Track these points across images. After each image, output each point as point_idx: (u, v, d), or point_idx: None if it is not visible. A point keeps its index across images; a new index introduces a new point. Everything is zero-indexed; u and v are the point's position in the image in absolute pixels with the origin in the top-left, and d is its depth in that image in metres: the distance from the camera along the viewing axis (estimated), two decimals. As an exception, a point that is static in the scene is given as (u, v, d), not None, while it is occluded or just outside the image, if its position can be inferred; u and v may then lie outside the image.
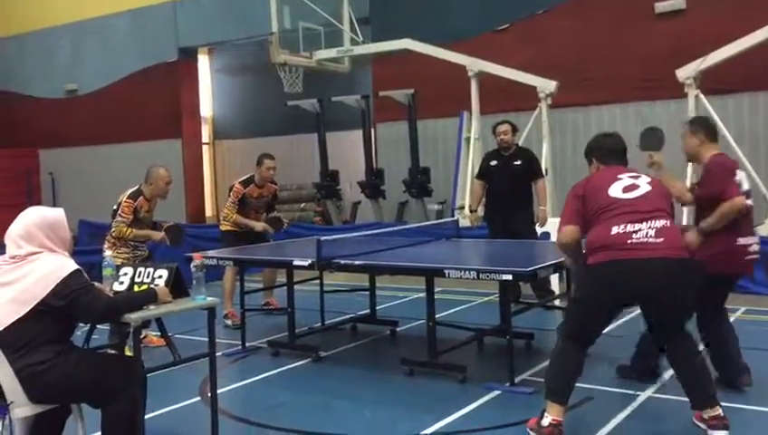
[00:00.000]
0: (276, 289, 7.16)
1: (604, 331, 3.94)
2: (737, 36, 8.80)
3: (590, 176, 4.09)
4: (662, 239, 3.61)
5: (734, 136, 9.17)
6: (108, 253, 4.71)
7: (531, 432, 3.83)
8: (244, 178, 7.06)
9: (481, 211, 7.57)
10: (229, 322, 6.85)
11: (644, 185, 3.82)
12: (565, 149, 11.30)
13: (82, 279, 3.23)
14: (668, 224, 3.70)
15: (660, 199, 3.81)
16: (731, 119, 9.93)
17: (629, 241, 3.61)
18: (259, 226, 6.95)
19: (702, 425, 3.77)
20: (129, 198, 5.91)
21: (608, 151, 4.12)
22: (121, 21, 16.18)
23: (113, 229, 5.87)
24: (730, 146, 9.07)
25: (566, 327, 3.94)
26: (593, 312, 3.80)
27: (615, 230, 3.64)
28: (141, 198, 5.94)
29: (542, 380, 4.80)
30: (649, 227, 3.63)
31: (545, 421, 3.74)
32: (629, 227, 3.63)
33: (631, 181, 3.83)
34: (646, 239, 3.60)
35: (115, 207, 5.92)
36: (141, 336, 5.16)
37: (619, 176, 3.87)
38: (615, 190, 3.78)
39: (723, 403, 3.74)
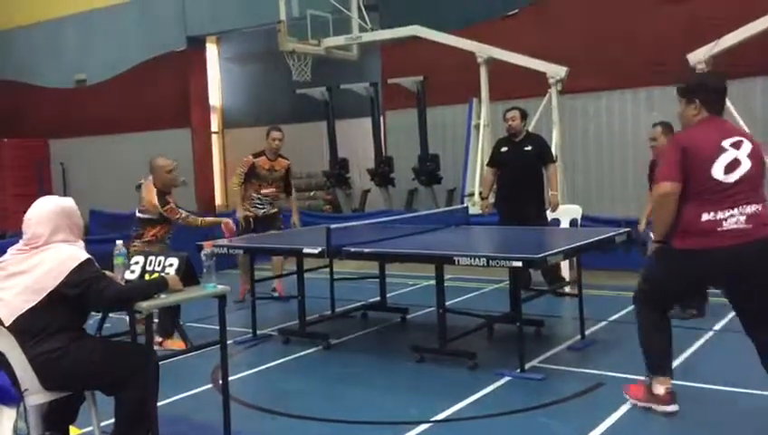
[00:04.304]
0: (286, 277, 7.19)
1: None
2: (750, 19, 8.70)
3: (692, 130, 3.76)
4: (751, 225, 3.57)
5: (746, 121, 9.09)
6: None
7: (640, 403, 3.98)
8: (257, 151, 7.44)
9: (492, 198, 7.56)
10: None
11: (745, 160, 3.62)
12: (575, 135, 11.24)
13: (94, 268, 3.26)
14: (760, 209, 3.61)
15: (757, 178, 3.67)
16: (743, 103, 9.82)
17: (719, 229, 3.57)
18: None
19: None
20: (164, 206, 5.81)
21: (716, 94, 3.80)
22: (129, 10, 16.18)
23: (178, 220, 5.82)
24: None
25: (650, 296, 3.91)
26: (678, 289, 3.93)
27: (704, 217, 3.59)
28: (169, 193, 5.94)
29: (554, 366, 4.85)
30: (740, 213, 3.57)
31: (660, 390, 3.89)
32: (720, 215, 3.57)
33: (734, 155, 3.62)
34: (736, 226, 3.55)
35: (151, 217, 5.78)
36: (158, 341, 5.17)
37: (723, 144, 3.63)
38: (718, 170, 3.59)
39: (737, 389, 3.68)
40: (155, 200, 5.81)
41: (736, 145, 3.65)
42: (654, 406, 3.92)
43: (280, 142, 7.39)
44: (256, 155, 7.37)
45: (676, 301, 4.08)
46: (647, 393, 3.97)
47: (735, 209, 3.56)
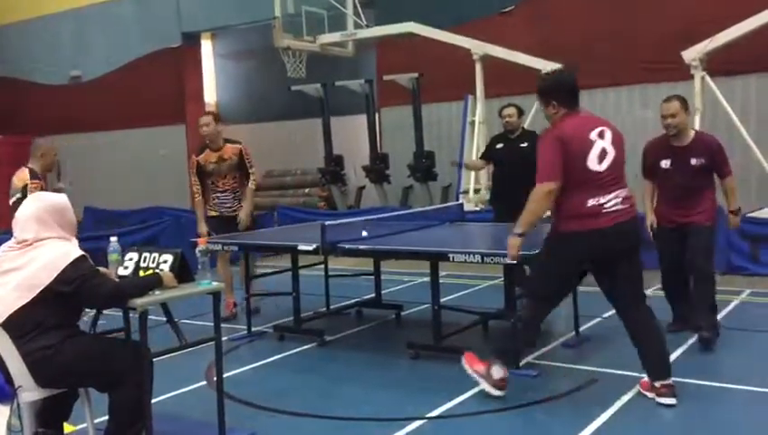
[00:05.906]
0: (282, 274, 7.15)
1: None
2: (745, 17, 8.72)
3: (564, 124, 3.98)
4: (627, 205, 3.97)
5: (740, 118, 9.12)
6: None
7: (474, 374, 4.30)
8: (200, 146, 6.77)
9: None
10: (227, 312, 6.45)
11: (610, 149, 3.95)
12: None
13: (88, 265, 3.25)
14: (627, 193, 4.01)
15: (621, 164, 4.02)
16: (738, 100, 9.86)
17: (603, 210, 3.89)
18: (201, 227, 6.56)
19: (649, 394, 4.05)
20: (33, 179, 5.68)
21: (571, 92, 4.05)
22: (124, 6, 16.13)
23: None
24: (736, 128, 9.04)
25: (537, 288, 4.20)
26: (565, 273, 4.12)
27: (590, 203, 3.90)
28: (41, 177, 5.79)
29: (548, 363, 4.86)
30: (616, 197, 3.93)
31: (499, 374, 4.22)
32: (601, 199, 3.90)
33: (602, 145, 3.93)
34: (615, 208, 3.91)
35: (19, 195, 5.54)
36: None
37: (591, 137, 3.93)
38: (592, 161, 3.90)
39: (732, 385, 3.73)
40: (25, 174, 5.71)
41: (601, 135, 3.96)
42: (483, 381, 4.25)
43: (207, 128, 6.55)
44: (198, 151, 6.66)
45: (558, 288, 4.18)
46: (486, 370, 4.25)
47: (613, 194, 3.91)
